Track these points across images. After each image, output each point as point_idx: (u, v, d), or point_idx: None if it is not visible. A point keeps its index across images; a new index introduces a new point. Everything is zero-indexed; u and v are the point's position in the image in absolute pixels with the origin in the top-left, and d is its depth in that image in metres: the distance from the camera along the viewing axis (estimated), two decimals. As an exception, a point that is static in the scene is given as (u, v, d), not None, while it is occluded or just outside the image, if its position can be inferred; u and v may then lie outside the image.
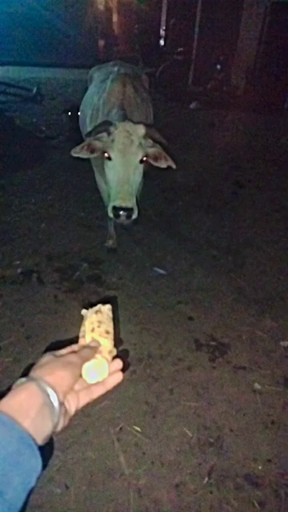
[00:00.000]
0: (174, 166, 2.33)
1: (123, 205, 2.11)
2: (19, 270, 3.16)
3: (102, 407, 2.18)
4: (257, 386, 2.36)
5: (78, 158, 2.51)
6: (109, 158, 2.22)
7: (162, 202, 4.43)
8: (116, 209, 2.12)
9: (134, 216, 2.19)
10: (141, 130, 2.21)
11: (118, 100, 2.57)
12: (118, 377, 0.87)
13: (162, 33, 11.37)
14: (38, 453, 0.60)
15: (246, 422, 2.17)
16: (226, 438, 2.09)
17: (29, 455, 0.58)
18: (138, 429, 2.10)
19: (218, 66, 9.56)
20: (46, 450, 0.66)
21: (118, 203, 2.11)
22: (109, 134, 2.21)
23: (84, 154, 2.28)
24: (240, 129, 7.05)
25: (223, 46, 9.72)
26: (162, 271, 3.35)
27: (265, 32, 8.86)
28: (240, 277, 3.29)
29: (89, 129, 2.89)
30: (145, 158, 2.26)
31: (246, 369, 2.47)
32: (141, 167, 2.27)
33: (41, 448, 0.62)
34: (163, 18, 11.43)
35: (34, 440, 0.61)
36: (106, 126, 2.25)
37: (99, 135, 2.28)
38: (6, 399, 0.63)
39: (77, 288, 3.04)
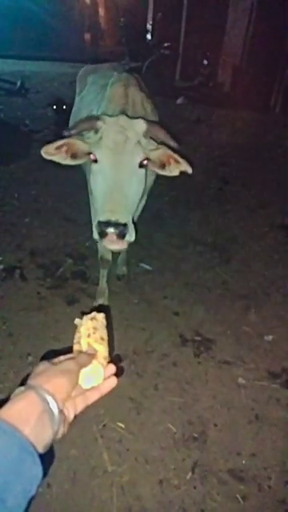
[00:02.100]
0: (189, 171, 1.79)
1: (112, 218, 1.56)
2: (1, 267, 3.09)
3: (86, 404, 2.15)
4: (241, 380, 2.37)
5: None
6: (95, 161, 1.72)
7: (148, 197, 4.39)
8: (103, 224, 1.57)
9: (129, 237, 1.63)
10: (140, 125, 1.74)
11: (120, 105, 2.04)
12: (113, 382, 0.89)
13: (149, 27, 11.28)
14: (38, 460, 0.60)
15: (230, 416, 2.18)
16: (210, 432, 2.09)
17: (30, 463, 0.58)
18: (122, 425, 2.08)
19: (205, 62, 9.55)
20: (47, 459, 0.65)
21: (105, 217, 1.57)
22: (96, 131, 1.75)
23: (61, 158, 1.77)
24: (226, 125, 7.06)
25: (210, 41, 9.69)
26: (147, 267, 3.33)
27: (251, 28, 8.87)
28: (226, 272, 3.30)
29: None
30: (146, 162, 1.76)
31: (230, 364, 2.48)
32: (141, 174, 1.76)
33: (41, 456, 0.62)
34: (150, 12, 11.34)
35: (34, 448, 0.61)
36: (91, 121, 1.78)
37: (83, 136, 1.82)
38: (5, 408, 0.63)
39: (61, 284, 2.99)
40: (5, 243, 3.40)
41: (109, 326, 1.00)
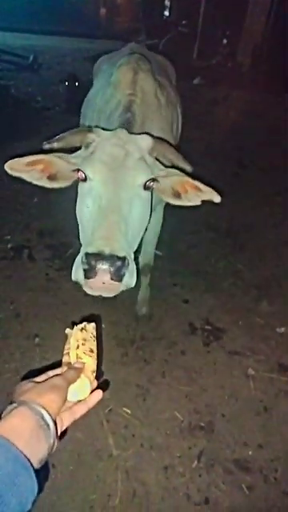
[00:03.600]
0: (217, 200, 1.40)
1: (106, 249, 1.13)
2: (10, 246, 3.05)
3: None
4: (251, 371, 2.33)
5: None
6: (84, 179, 1.35)
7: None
8: (91, 257, 1.13)
9: (129, 279, 1.21)
10: (145, 141, 1.42)
11: (125, 96, 1.72)
12: (98, 395, 0.89)
13: (167, 3, 10.85)
14: (33, 475, 0.60)
15: (238, 407, 2.14)
16: (218, 422, 2.06)
17: (25, 476, 0.58)
18: (128, 411, 2.06)
19: (225, 41, 9.19)
20: (42, 475, 0.65)
21: (95, 246, 1.14)
22: (87, 145, 1.40)
23: (33, 178, 1.38)
24: (244, 107, 6.83)
25: (231, 19, 9.29)
26: (158, 252, 3.25)
27: (274, 7, 8.46)
28: (238, 261, 3.22)
29: None
30: (152, 184, 1.39)
31: (240, 354, 2.43)
32: (145, 197, 1.39)
33: (37, 471, 0.62)
34: (169, -13, 10.88)
35: (29, 461, 0.61)
36: (81, 133, 1.43)
37: (69, 155, 1.42)
38: (0, 423, 0.64)
39: (69, 266, 2.92)
40: (13, 223, 3.35)
41: (99, 338, 0.98)
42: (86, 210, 1.32)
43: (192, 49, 10.19)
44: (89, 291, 1.21)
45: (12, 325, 2.44)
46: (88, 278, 1.15)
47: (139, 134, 1.48)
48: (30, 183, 1.39)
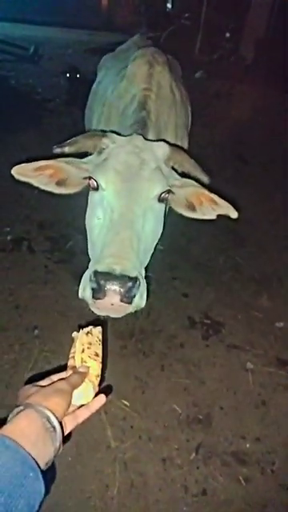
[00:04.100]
0: (234, 215, 1.38)
1: (117, 268, 1.07)
2: (9, 237, 3.04)
3: (91, 380, 2.14)
4: (249, 365, 2.33)
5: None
6: (96, 188, 1.28)
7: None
8: (101, 276, 1.07)
9: (139, 301, 1.15)
10: (161, 149, 1.35)
11: (140, 90, 1.65)
12: (101, 400, 0.89)
13: (170, -5, 10.72)
14: (40, 476, 0.61)
15: (236, 400, 2.15)
16: (216, 415, 2.07)
17: (33, 478, 0.59)
18: (127, 403, 2.07)
19: (227, 34, 9.08)
20: (48, 476, 0.66)
21: (105, 265, 1.08)
22: (100, 151, 1.34)
23: (41, 183, 1.32)
24: (246, 102, 6.77)
25: (234, 13, 9.18)
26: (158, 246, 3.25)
27: (278, 1, 8.37)
28: (238, 255, 3.21)
29: None
30: (167, 196, 1.32)
31: (239, 348, 2.43)
32: (159, 210, 1.33)
33: (43, 473, 0.63)
34: (171, -21, 10.74)
35: (37, 463, 0.62)
36: (94, 138, 1.37)
37: (80, 160, 1.36)
38: (7, 425, 0.65)
39: (69, 259, 2.93)
40: (13, 214, 3.33)
41: (104, 342, 0.98)
42: (97, 221, 1.26)
43: (194, 42, 10.09)
44: (96, 311, 1.16)
45: (11, 316, 2.43)
46: (96, 299, 1.09)
47: (156, 140, 1.42)
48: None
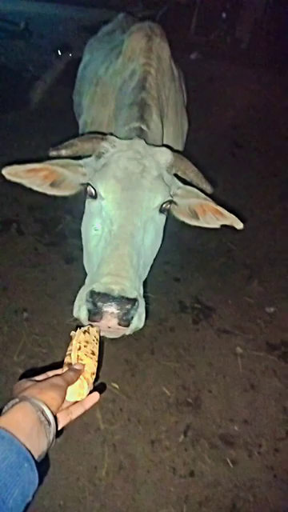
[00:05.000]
0: (239, 226, 1.37)
1: (115, 288, 1.01)
2: (-2, 219, 2.97)
3: (81, 364, 2.13)
4: (239, 350, 2.34)
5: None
6: (94, 196, 1.22)
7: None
8: (97, 297, 1.01)
9: (137, 322, 1.08)
10: (164, 155, 1.29)
11: (140, 66, 1.56)
12: (95, 397, 0.90)
13: (166, -29, 10.35)
14: (35, 467, 0.63)
15: (225, 384, 2.16)
16: (205, 398, 2.08)
17: (27, 469, 0.61)
18: (117, 386, 2.06)
19: (224, 15, 8.86)
20: (43, 468, 0.68)
21: (103, 285, 1.02)
22: (99, 155, 1.27)
23: (33, 184, 1.25)
24: (242, 85, 6.65)
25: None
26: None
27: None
28: (231, 240, 3.19)
29: (86, 117, 1.90)
30: (169, 206, 1.29)
31: (229, 333, 2.44)
32: (160, 222, 1.28)
33: (37, 464, 0.65)
34: None
35: (31, 454, 0.64)
36: (93, 141, 1.29)
37: (77, 163, 1.30)
38: (2, 417, 0.66)
39: (59, 242, 2.88)
40: (2, 196, 3.24)
41: (102, 342, 0.97)
42: (94, 232, 1.19)
43: (190, 22, 9.82)
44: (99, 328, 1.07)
45: (0, 298, 2.39)
46: (92, 321, 1.03)
47: (158, 146, 1.35)
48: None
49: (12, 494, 0.57)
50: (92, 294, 1.01)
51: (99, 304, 1.00)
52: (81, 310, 1.06)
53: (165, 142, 1.66)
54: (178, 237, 3.17)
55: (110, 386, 2.05)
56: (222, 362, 2.27)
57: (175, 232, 3.20)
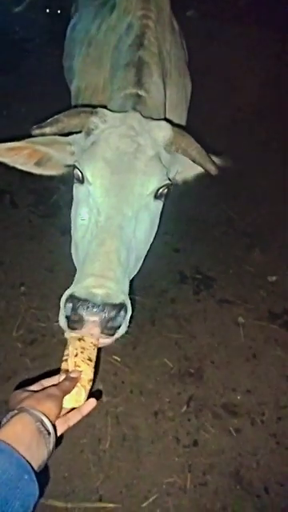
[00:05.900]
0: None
1: (99, 293, 0.88)
2: (-11, 190, 2.84)
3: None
4: (241, 319, 2.31)
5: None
6: (81, 180, 1.09)
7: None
8: (78, 302, 0.88)
9: (123, 328, 0.96)
10: (162, 130, 1.14)
11: (137, 18, 1.40)
12: (92, 403, 0.88)
13: None
14: (34, 478, 0.63)
15: (227, 354, 2.14)
16: (207, 369, 2.06)
17: (27, 480, 0.61)
18: (118, 358, 2.04)
19: None
20: (42, 479, 0.67)
21: (85, 289, 0.89)
22: (88, 132, 1.13)
23: (17, 163, 1.15)
24: (241, 44, 6.28)
25: None
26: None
27: None
28: (231, 208, 3.09)
29: (79, 82, 1.75)
30: (166, 191, 1.14)
31: (230, 303, 2.40)
32: (155, 209, 1.14)
33: (37, 475, 0.64)
34: None
35: (31, 466, 0.64)
36: (81, 115, 1.14)
37: (64, 139, 1.17)
38: (1, 430, 0.67)
39: (54, 213, 2.77)
40: (-8, 165, 3.10)
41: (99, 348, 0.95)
42: (81, 222, 1.06)
43: (186, -25, 9.19)
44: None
45: (-5, 273, 2.32)
46: (73, 328, 0.89)
47: (157, 120, 1.16)
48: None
49: (13, 506, 0.57)
50: (72, 298, 0.88)
51: (80, 311, 0.86)
52: (60, 316, 0.93)
53: (168, 106, 1.49)
54: (177, 206, 3.06)
55: (111, 358, 2.03)
56: (223, 332, 2.24)
57: (174, 201, 3.09)
